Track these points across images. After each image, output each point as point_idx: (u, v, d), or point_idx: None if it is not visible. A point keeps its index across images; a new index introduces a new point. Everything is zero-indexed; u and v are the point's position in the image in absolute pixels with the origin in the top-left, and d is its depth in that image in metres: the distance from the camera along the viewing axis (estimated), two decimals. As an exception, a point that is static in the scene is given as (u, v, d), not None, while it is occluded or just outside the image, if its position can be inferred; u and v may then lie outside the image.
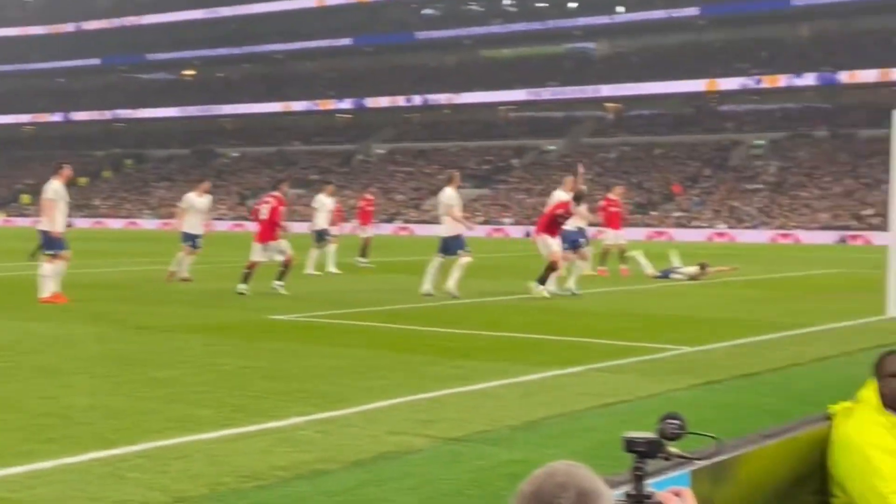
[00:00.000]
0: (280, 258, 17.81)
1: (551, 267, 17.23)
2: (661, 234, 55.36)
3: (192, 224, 20.62)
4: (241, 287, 17.25)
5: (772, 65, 69.86)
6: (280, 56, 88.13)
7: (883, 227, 35.78)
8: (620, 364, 9.94)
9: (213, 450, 6.27)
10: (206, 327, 12.71)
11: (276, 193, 18.32)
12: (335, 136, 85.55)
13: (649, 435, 2.57)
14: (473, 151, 77.03)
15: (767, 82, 68.45)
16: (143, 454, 6.14)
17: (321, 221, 23.48)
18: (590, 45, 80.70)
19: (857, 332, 12.77)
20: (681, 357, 10.57)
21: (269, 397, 8.01)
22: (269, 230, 17.87)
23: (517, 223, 62.25)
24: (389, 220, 67.73)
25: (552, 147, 75.02)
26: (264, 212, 17.91)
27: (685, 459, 2.85)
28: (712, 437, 2.84)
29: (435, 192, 71.37)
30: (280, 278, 17.65)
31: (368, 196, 28.23)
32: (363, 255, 26.00)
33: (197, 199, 20.92)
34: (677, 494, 2.46)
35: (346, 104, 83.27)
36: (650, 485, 2.55)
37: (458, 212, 17.83)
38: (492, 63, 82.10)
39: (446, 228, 17.86)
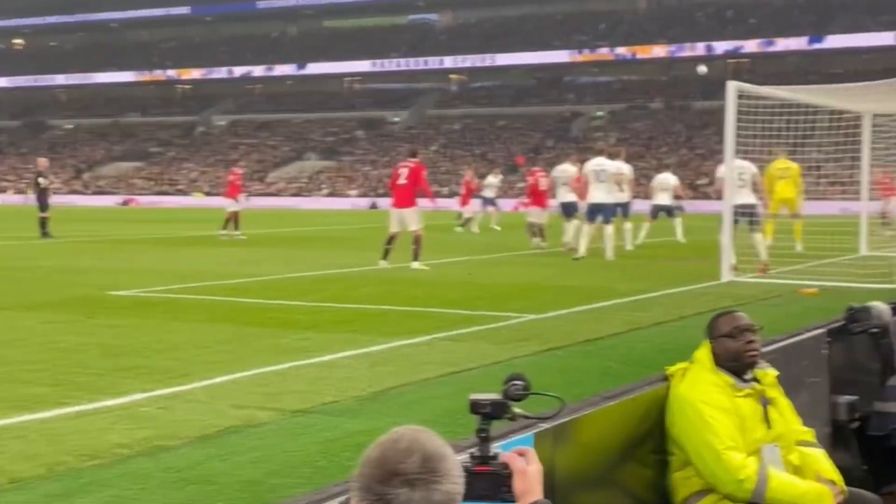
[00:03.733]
0: None
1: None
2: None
3: None
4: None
5: (610, 38, 71.41)
6: (115, 25, 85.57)
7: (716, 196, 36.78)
8: (466, 333, 10.03)
9: (52, 429, 6.09)
10: (43, 304, 12.29)
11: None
12: (174, 107, 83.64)
13: (494, 396, 2.59)
14: (317, 123, 76.44)
15: (606, 55, 69.97)
16: (-22, 436, 5.91)
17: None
18: (432, 16, 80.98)
19: (693, 298, 13.14)
20: (524, 325, 10.72)
21: (108, 374, 7.80)
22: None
23: (363, 195, 62.09)
24: (233, 193, 66.48)
25: (397, 119, 75.05)
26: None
27: (529, 420, 2.90)
28: (556, 397, 2.89)
29: (279, 164, 70.86)
30: None
31: (237, 170, 29.43)
32: (225, 227, 26.56)
33: None
34: (521, 454, 2.49)
35: (185, 75, 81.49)
36: (496, 447, 2.57)
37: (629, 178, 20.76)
38: (335, 33, 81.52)
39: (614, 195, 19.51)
